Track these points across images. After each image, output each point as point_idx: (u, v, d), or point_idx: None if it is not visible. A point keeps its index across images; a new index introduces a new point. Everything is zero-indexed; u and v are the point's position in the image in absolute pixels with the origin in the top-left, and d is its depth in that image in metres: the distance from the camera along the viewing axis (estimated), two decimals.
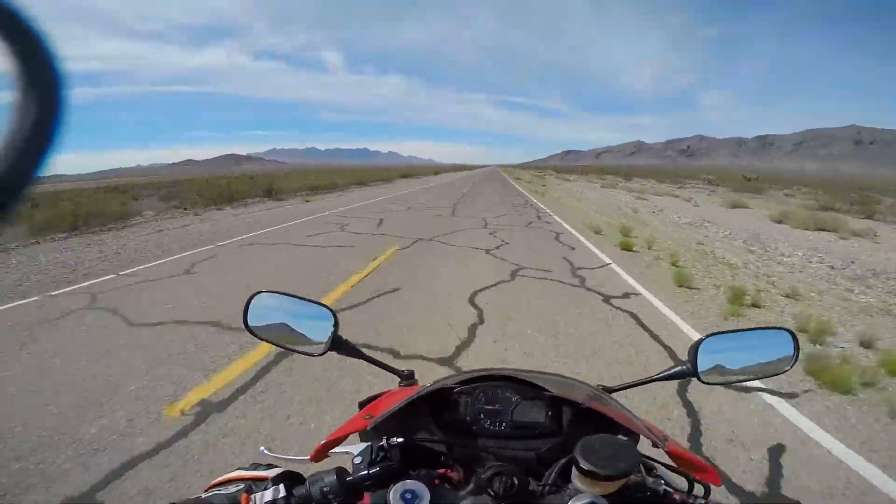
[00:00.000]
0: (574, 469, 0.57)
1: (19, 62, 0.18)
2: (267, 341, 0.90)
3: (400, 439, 0.65)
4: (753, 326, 0.88)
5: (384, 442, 0.64)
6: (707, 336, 0.82)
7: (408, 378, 0.97)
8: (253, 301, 0.90)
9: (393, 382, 0.99)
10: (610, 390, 0.87)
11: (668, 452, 0.69)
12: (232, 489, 0.62)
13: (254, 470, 0.66)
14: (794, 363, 0.83)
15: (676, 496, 0.61)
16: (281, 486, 0.60)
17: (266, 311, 0.91)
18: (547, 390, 0.73)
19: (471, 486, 0.62)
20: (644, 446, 0.72)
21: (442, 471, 0.69)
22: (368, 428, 0.74)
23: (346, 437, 0.75)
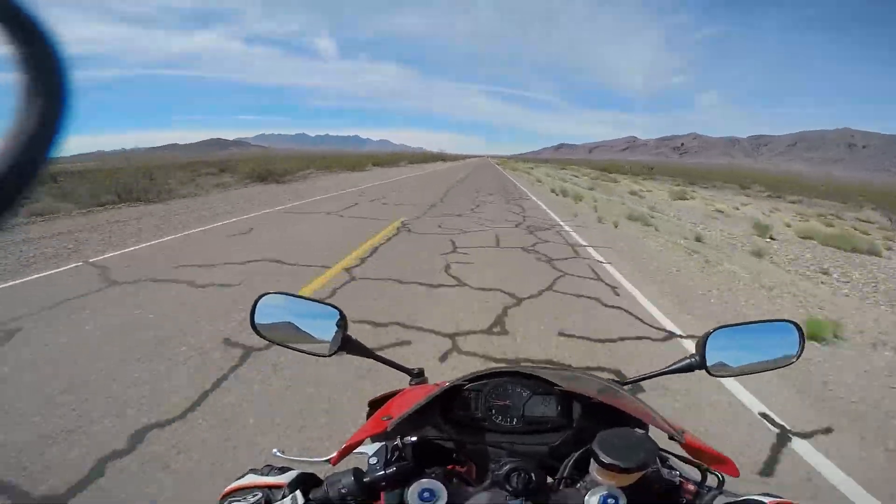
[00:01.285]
0: (593, 462, 0.58)
1: (22, 51, 0.18)
2: (274, 342, 0.91)
3: (414, 438, 0.67)
4: (760, 319, 0.87)
5: (398, 441, 0.65)
6: (714, 329, 0.84)
7: (418, 376, 0.98)
8: (260, 302, 0.90)
9: (400, 380, 1.00)
10: (622, 383, 0.89)
11: (684, 445, 0.70)
12: (249, 498, 0.61)
13: (268, 475, 0.66)
14: (799, 355, 0.84)
15: (691, 486, 0.63)
16: (298, 493, 0.60)
17: (273, 311, 0.91)
18: (557, 385, 0.74)
19: (487, 482, 0.63)
20: (660, 438, 0.72)
21: (453, 467, 0.71)
22: (389, 429, 0.73)
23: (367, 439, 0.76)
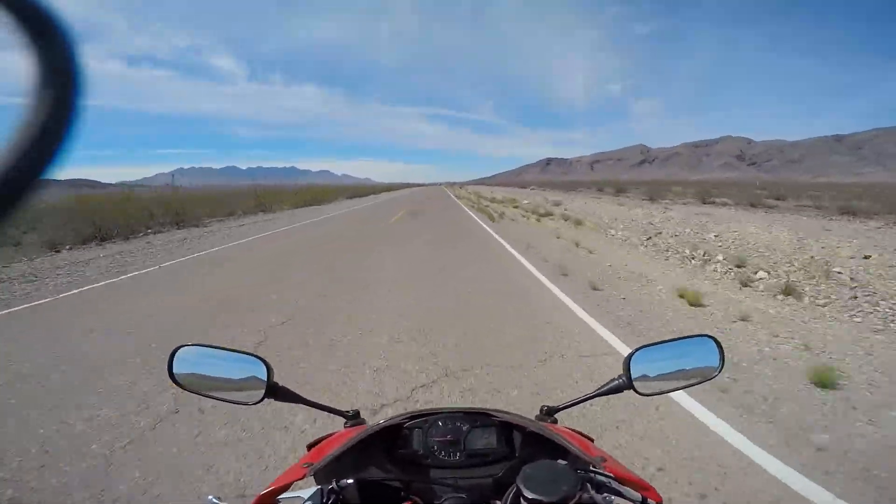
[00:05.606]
0: (521, 499, 0.61)
1: (41, 61, 0.19)
2: (196, 393, 0.91)
3: (350, 480, 0.68)
4: (679, 337, 0.94)
5: (334, 485, 0.67)
6: (637, 349, 0.90)
7: (353, 418, 0.99)
8: (177, 355, 0.90)
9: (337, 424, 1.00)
10: (553, 410, 0.94)
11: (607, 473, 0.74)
12: None
13: None
14: (720, 368, 0.91)
15: None
16: None
17: (193, 363, 0.92)
18: (494, 416, 0.80)
19: None
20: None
21: None
22: (308, 475, 0.76)
23: (285, 489, 0.77)
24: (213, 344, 0.93)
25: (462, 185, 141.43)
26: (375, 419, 0.88)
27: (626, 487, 0.74)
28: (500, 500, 0.69)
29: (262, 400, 0.89)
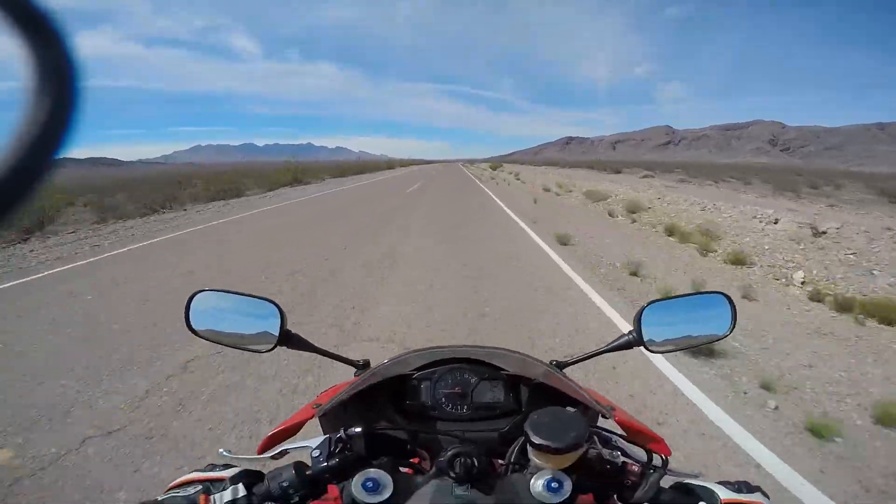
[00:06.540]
0: (528, 445, 0.62)
1: (36, 55, 0.19)
2: (210, 340, 0.93)
3: (358, 429, 0.70)
4: (692, 293, 0.96)
5: (342, 433, 0.69)
6: (648, 304, 0.90)
7: (363, 367, 1.01)
8: (194, 300, 0.92)
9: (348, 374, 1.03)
10: (562, 365, 0.95)
11: (616, 423, 0.76)
12: (190, 491, 0.64)
13: (210, 471, 0.68)
14: (732, 326, 0.91)
15: (635, 467, 0.67)
16: (240, 486, 0.64)
17: (209, 309, 0.94)
18: (503, 370, 0.81)
19: (433, 470, 0.67)
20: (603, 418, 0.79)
21: (412, 459, 0.75)
22: (317, 416, 0.79)
23: (295, 428, 0.80)
24: (230, 289, 0.95)
25: (489, 162, 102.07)
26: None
27: (631, 445, 0.74)
28: (505, 453, 0.71)
29: (274, 347, 0.91)
